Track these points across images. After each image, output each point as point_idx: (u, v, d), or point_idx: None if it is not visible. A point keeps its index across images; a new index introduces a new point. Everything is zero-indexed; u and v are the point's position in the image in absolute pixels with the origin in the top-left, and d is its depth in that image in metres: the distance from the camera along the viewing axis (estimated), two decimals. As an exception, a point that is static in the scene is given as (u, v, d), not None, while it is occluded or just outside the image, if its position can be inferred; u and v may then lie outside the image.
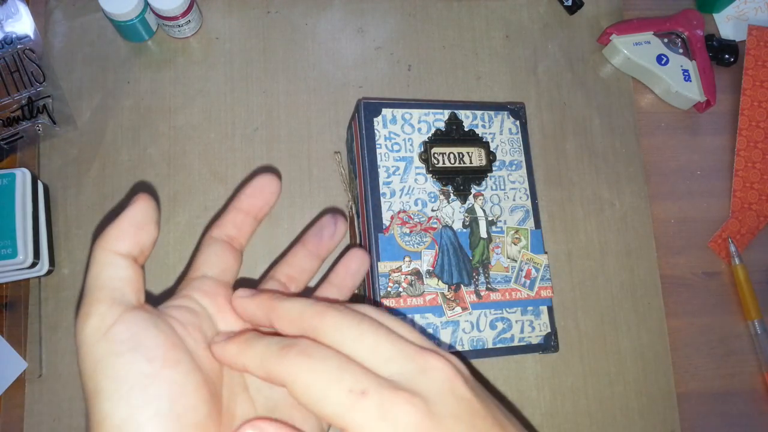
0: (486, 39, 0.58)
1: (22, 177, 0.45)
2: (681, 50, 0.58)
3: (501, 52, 0.57)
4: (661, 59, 0.57)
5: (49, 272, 0.47)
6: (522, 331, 0.44)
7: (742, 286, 0.54)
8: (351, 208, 0.48)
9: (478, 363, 0.50)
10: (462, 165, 0.46)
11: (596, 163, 0.56)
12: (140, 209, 0.26)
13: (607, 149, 0.56)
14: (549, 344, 0.44)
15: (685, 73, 0.57)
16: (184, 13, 0.50)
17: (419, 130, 0.46)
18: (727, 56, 0.59)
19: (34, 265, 0.45)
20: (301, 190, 0.52)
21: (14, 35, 0.51)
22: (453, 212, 0.45)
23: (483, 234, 0.45)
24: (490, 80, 0.56)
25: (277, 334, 0.26)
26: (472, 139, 0.47)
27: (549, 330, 0.45)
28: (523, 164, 0.48)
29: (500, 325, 0.43)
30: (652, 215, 0.56)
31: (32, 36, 0.51)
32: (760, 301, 0.54)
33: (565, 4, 0.58)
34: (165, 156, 0.51)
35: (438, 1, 0.58)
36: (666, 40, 0.58)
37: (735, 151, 0.58)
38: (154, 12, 0.50)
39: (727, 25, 0.62)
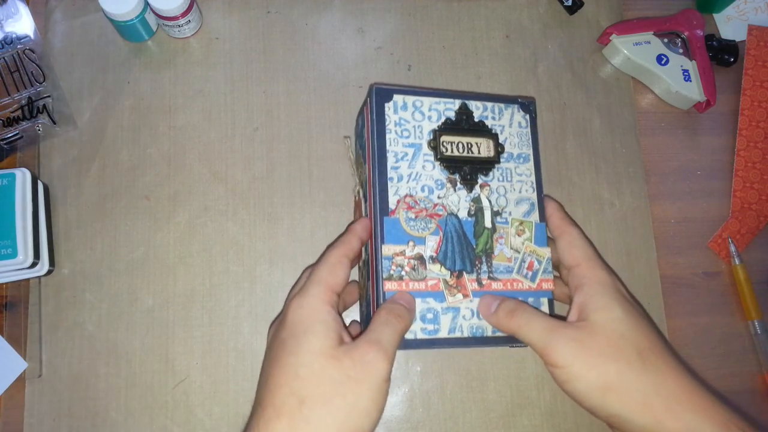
0: (486, 39, 0.58)
1: (22, 177, 0.45)
2: (681, 50, 0.58)
3: (501, 52, 0.58)
4: (661, 59, 0.57)
5: (49, 272, 0.47)
6: None
7: (742, 286, 0.54)
8: (358, 192, 0.48)
9: (478, 363, 0.50)
10: (470, 155, 0.47)
11: (596, 163, 0.56)
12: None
13: (607, 149, 0.56)
14: None
15: (685, 73, 0.57)
16: (184, 13, 0.50)
17: (429, 118, 0.46)
18: (727, 56, 0.59)
19: (34, 265, 0.45)
20: (301, 190, 0.52)
21: (14, 35, 0.51)
22: (459, 200, 0.45)
23: (487, 224, 0.45)
24: (490, 80, 0.56)
25: None
26: (481, 129, 0.47)
27: None
28: (531, 158, 0.48)
29: None
30: (652, 215, 0.56)
31: (32, 36, 0.51)
32: (760, 301, 0.54)
33: (565, 4, 0.58)
34: (165, 156, 0.51)
35: (438, 1, 0.58)
36: (666, 40, 0.58)
37: (735, 151, 0.58)
38: (154, 12, 0.50)
39: (727, 25, 0.62)
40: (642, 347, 0.37)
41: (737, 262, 0.55)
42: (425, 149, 0.46)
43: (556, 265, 0.46)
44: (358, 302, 0.49)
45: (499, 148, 0.47)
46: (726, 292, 0.55)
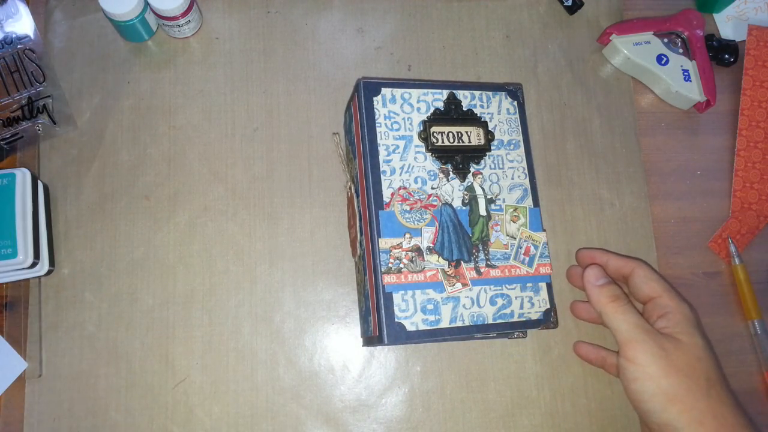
0: (486, 39, 0.58)
1: (22, 177, 0.45)
2: (681, 50, 0.58)
3: (501, 52, 0.58)
4: (661, 59, 0.57)
5: (49, 272, 0.47)
6: (522, 307, 0.44)
7: (742, 286, 0.54)
8: (350, 188, 0.48)
9: (478, 363, 0.50)
10: (461, 144, 0.47)
11: (596, 163, 0.56)
12: None
13: (607, 149, 0.56)
14: (548, 320, 0.45)
15: (685, 73, 0.57)
16: (184, 13, 0.50)
17: (418, 109, 0.47)
18: (727, 56, 0.59)
19: (34, 265, 0.45)
20: (301, 190, 0.52)
21: (14, 35, 0.51)
22: (452, 190, 0.45)
23: (482, 212, 0.46)
24: (490, 80, 0.56)
25: None
26: (470, 118, 0.48)
27: (548, 306, 0.45)
28: (521, 143, 0.49)
29: (500, 301, 0.44)
30: (652, 215, 0.56)
31: (32, 36, 0.51)
32: (760, 301, 0.54)
33: (565, 4, 0.58)
34: (165, 156, 0.51)
35: (438, 1, 0.58)
36: (666, 40, 0.58)
37: (735, 151, 0.58)
38: (154, 12, 0.50)
39: (727, 25, 0.62)
40: (710, 375, 0.41)
41: (737, 262, 0.55)
42: (416, 141, 0.46)
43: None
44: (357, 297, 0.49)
45: (489, 136, 0.48)
46: (726, 292, 0.55)
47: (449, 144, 0.47)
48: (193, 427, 0.46)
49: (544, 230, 0.47)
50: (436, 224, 0.44)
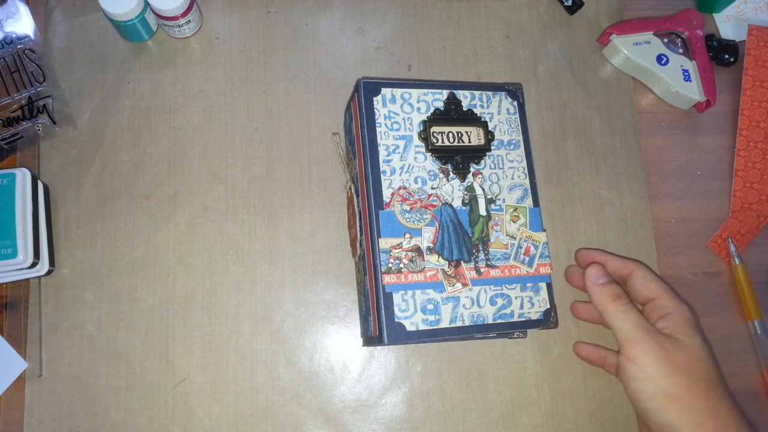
0: (486, 39, 0.58)
1: (22, 177, 0.45)
2: (681, 50, 0.58)
3: (501, 52, 0.58)
4: (661, 59, 0.57)
5: (49, 272, 0.47)
6: (522, 307, 0.44)
7: (742, 286, 0.54)
8: (350, 188, 0.48)
9: (478, 363, 0.50)
10: (461, 144, 0.47)
11: (596, 163, 0.56)
12: None
13: (607, 149, 0.56)
14: (548, 320, 0.45)
15: (685, 73, 0.57)
16: (184, 13, 0.50)
17: (418, 109, 0.47)
18: (727, 56, 0.59)
19: (34, 265, 0.45)
20: (301, 190, 0.52)
21: (14, 35, 0.51)
22: (452, 190, 0.45)
23: (482, 212, 0.46)
24: (490, 80, 0.56)
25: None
26: (470, 118, 0.48)
27: (548, 306, 0.45)
28: (521, 143, 0.49)
29: (500, 301, 0.44)
30: (652, 215, 0.56)
31: (32, 36, 0.51)
32: (760, 301, 0.54)
33: (565, 4, 0.58)
34: (165, 156, 0.51)
35: (438, 1, 0.58)
36: (666, 40, 0.58)
37: (735, 151, 0.58)
38: (154, 12, 0.50)
39: (727, 25, 0.62)
40: (710, 376, 0.42)
41: (737, 262, 0.55)
42: (416, 141, 0.46)
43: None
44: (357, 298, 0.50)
45: (489, 136, 0.48)
46: (726, 292, 0.55)
47: (449, 144, 0.47)
48: (193, 427, 0.46)
49: (544, 230, 0.47)
50: (436, 224, 0.44)
